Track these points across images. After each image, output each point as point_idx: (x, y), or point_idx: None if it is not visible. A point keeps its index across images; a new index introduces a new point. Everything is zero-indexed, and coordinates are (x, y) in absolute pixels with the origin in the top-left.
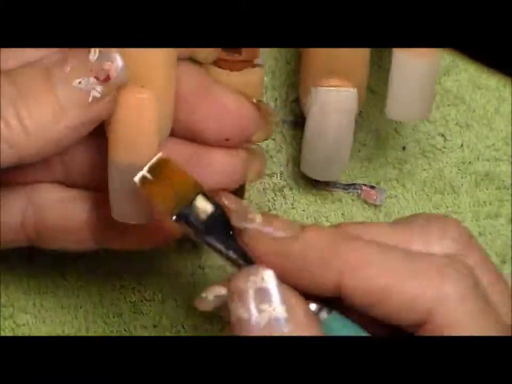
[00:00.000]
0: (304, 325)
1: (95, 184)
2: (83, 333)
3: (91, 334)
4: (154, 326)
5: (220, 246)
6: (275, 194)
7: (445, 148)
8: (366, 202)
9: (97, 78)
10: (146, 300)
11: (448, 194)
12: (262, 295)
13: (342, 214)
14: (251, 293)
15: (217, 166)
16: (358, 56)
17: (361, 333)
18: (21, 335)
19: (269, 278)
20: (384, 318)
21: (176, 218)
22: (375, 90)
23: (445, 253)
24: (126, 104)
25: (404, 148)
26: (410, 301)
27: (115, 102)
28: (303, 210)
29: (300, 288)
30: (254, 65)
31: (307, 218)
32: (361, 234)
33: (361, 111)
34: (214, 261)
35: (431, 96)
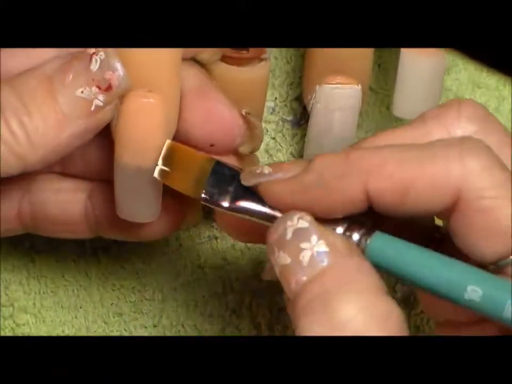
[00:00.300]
0: (346, 254)
1: (92, 175)
2: (83, 333)
3: (91, 334)
4: (154, 326)
5: (252, 209)
6: None
7: None
8: None
9: (99, 87)
10: (146, 299)
11: None
12: (300, 235)
13: None
14: (290, 235)
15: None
16: (362, 54)
17: (405, 245)
18: (21, 335)
19: (304, 218)
20: (416, 213)
21: (203, 199)
22: (374, 89)
23: (463, 135)
24: (133, 109)
25: None
26: (436, 185)
27: (117, 108)
28: None
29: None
30: (261, 60)
31: None
32: (377, 143)
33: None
34: (214, 260)
35: (437, 94)
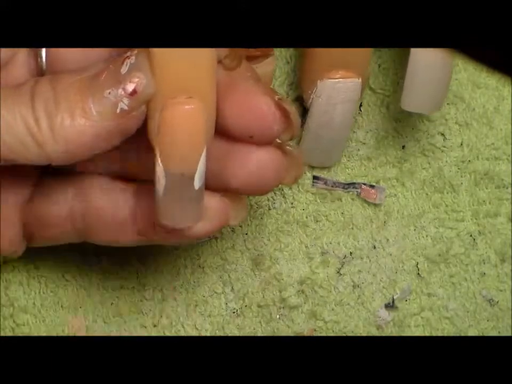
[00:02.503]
0: None
1: (143, 176)
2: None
3: (91, 334)
4: (154, 326)
5: None
6: (274, 193)
7: (444, 146)
8: (365, 201)
9: (124, 90)
10: (146, 299)
11: (447, 193)
12: None
13: (342, 213)
14: None
15: (251, 164)
16: (362, 49)
17: None
18: (21, 335)
19: None
20: None
21: None
22: (375, 89)
23: None
24: (176, 117)
25: (403, 147)
26: None
27: (143, 115)
28: (303, 210)
29: None
30: (267, 56)
31: (307, 217)
32: None
33: (360, 110)
34: (214, 260)
35: (445, 89)
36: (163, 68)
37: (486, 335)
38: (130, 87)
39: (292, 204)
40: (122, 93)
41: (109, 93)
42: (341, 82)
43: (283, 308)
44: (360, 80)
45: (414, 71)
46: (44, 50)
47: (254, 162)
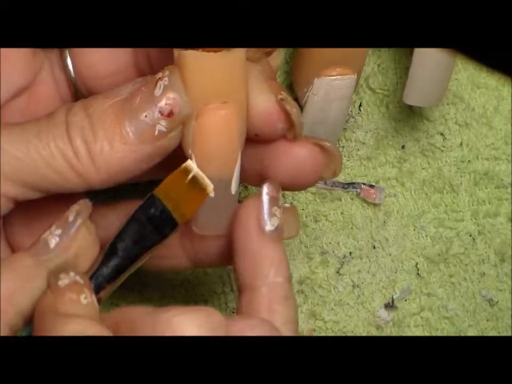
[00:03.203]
0: None
1: None
2: None
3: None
4: None
5: None
6: None
7: (444, 146)
8: (365, 201)
9: (161, 113)
10: (146, 299)
11: (447, 193)
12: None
13: (341, 212)
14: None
15: (290, 161)
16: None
17: None
18: None
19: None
20: None
21: None
22: (374, 89)
23: None
24: (212, 122)
25: (403, 147)
26: None
27: (181, 134)
28: (302, 209)
29: None
30: (271, 52)
31: (306, 217)
32: None
33: (360, 110)
34: None
35: (446, 84)
36: (195, 75)
37: (485, 335)
38: (166, 109)
39: (291, 203)
40: (159, 115)
41: (146, 116)
42: (338, 79)
43: None
44: (355, 76)
45: (419, 65)
46: (69, 59)
47: (292, 159)
